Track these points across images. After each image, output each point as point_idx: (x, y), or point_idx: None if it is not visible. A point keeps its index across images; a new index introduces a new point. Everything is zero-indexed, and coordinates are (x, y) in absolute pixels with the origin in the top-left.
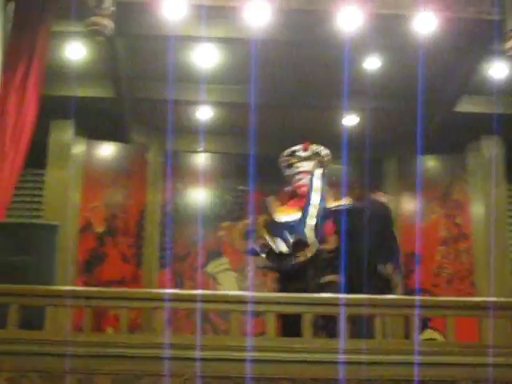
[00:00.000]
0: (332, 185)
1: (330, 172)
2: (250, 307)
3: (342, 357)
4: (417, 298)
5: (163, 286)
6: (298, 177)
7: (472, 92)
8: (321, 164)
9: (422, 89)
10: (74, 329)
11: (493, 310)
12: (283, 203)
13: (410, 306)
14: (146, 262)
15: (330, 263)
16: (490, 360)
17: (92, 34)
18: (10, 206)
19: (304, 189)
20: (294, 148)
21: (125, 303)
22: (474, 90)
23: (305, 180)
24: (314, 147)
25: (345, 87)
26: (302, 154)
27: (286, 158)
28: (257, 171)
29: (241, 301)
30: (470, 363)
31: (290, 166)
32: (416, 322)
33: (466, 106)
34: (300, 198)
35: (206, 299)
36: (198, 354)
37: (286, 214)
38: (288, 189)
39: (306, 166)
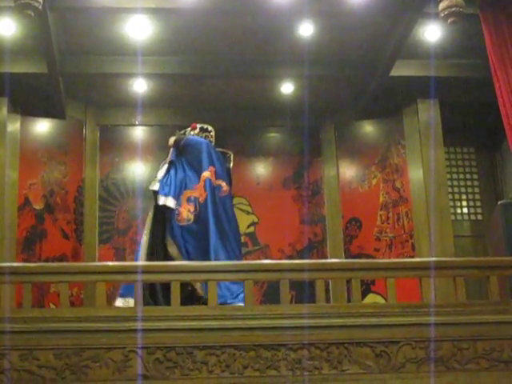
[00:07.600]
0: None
1: (267, 140)
2: (192, 277)
3: (284, 322)
4: (358, 260)
5: (104, 261)
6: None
7: (407, 56)
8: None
9: (357, 54)
10: (14, 306)
11: (433, 269)
12: None
13: (352, 269)
14: (86, 237)
15: None
16: (432, 319)
17: (22, 9)
18: None
19: None
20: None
21: (65, 277)
22: (409, 53)
23: None
24: (200, 125)
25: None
26: (192, 132)
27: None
28: None
29: (182, 270)
30: (411, 323)
31: None
32: (358, 285)
33: (401, 69)
34: None
35: (146, 270)
36: (139, 325)
37: None
38: None
39: None
